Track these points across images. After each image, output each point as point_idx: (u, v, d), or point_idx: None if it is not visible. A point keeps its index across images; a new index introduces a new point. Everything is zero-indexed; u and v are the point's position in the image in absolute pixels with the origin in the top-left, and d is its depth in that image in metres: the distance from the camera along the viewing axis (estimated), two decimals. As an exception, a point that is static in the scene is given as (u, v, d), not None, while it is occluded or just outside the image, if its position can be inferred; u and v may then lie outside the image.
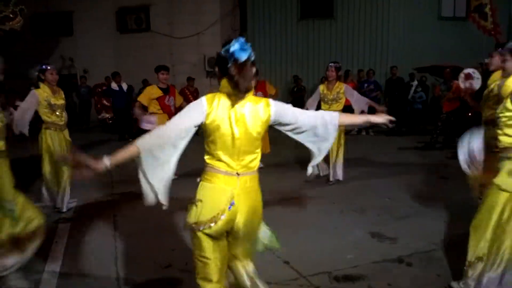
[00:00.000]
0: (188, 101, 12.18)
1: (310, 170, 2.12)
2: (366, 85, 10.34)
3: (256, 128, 1.86)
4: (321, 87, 5.33)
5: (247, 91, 1.80)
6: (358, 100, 5.26)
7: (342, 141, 5.23)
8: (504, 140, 2.39)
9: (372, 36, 12.68)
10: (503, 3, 12.63)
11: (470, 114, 8.22)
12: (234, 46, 1.72)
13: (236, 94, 1.79)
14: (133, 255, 3.30)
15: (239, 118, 1.82)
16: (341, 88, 5.19)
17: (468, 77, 5.55)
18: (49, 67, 4.41)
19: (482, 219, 2.49)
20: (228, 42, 1.77)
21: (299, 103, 12.01)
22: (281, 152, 7.42)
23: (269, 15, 13.06)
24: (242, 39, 1.76)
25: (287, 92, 12.93)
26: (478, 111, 3.17)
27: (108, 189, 5.37)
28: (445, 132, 8.06)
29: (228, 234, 1.94)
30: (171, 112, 5.29)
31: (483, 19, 9.10)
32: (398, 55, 12.03)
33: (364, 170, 6.13)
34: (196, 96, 11.29)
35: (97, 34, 13.50)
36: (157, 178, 1.93)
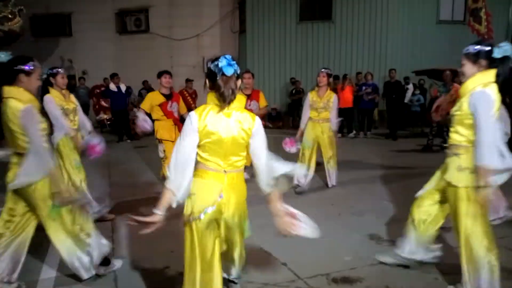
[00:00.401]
0: (186, 102, 12.14)
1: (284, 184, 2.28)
2: (364, 87, 10.37)
3: (241, 134, 2.07)
4: (311, 95, 5.19)
5: (230, 101, 2.04)
6: (333, 118, 5.15)
7: (334, 147, 5.21)
8: (454, 137, 2.50)
9: (371, 39, 12.72)
10: (502, 4, 12.71)
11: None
12: (222, 62, 2.00)
13: (222, 105, 2.04)
14: (131, 257, 3.29)
15: (226, 126, 2.05)
16: (331, 97, 5.08)
17: None
18: (60, 71, 4.21)
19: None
20: (216, 58, 2.04)
21: (297, 105, 12.05)
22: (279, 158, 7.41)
23: (268, 17, 13.09)
24: (229, 56, 2.04)
25: (286, 95, 12.96)
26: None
27: (106, 190, 5.36)
28: (442, 135, 8.08)
29: (218, 227, 2.18)
30: (174, 118, 5.18)
31: (478, 23, 9.16)
32: (396, 58, 12.08)
33: (362, 173, 6.14)
34: (194, 98, 11.29)
35: (96, 35, 13.51)
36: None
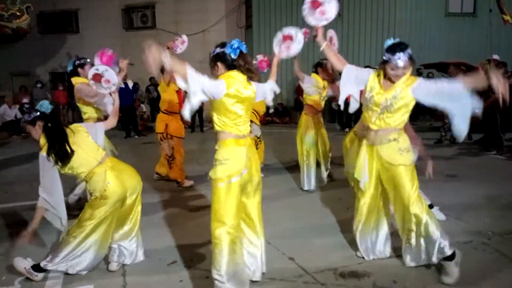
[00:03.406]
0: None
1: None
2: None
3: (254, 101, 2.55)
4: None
5: (257, 72, 2.48)
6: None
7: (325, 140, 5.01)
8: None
9: (378, 32, 12.59)
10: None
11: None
12: (235, 44, 2.36)
13: (250, 76, 2.43)
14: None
15: (246, 97, 2.42)
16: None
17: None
18: (88, 61, 4.18)
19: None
20: (223, 44, 2.41)
21: (305, 100, 11.99)
22: (285, 154, 7.44)
23: (274, 12, 13.01)
24: (237, 40, 2.40)
25: (293, 90, 12.91)
26: None
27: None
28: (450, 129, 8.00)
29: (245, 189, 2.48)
30: (183, 119, 5.11)
31: (504, 14, 8.93)
32: (404, 52, 11.95)
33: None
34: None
35: (103, 31, 13.56)
36: None
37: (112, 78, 3.39)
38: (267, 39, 13.21)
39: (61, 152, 2.63)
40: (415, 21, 12.47)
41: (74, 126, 2.90)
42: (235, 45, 2.34)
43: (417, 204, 2.70)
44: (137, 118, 10.83)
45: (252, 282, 2.62)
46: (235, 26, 13.83)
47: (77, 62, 4.12)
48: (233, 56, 2.36)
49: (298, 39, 3.11)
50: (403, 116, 2.74)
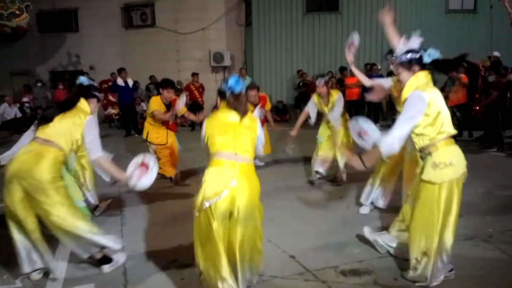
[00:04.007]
0: (193, 96, 12.11)
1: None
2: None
3: (251, 133, 2.38)
4: (315, 98, 5.01)
5: (246, 112, 2.38)
6: (335, 114, 4.86)
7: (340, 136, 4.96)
8: (419, 141, 2.57)
9: (379, 29, 12.53)
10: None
11: (477, 108, 8.16)
12: (231, 82, 2.38)
13: (237, 112, 2.37)
14: (140, 250, 3.32)
15: (237, 126, 2.36)
16: (335, 98, 4.85)
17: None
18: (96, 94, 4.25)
19: (422, 217, 2.58)
20: (226, 79, 2.43)
21: (305, 97, 11.96)
22: (284, 152, 7.42)
23: (274, 9, 12.97)
24: (236, 76, 2.43)
25: (292, 87, 12.89)
26: None
27: (115, 185, 5.41)
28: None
29: (230, 218, 2.26)
30: (168, 124, 5.29)
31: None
32: (404, 49, 11.92)
33: (372, 166, 6.08)
34: (201, 91, 11.28)
35: (102, 30, 13.52)
36: None
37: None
38: (267, 36, 13.19)
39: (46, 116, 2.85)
40: (415, 18, 12.43)
41: (84, 110, 2.94)
42: (230, 84, 2.38)
43: None
44: (137, 117, 10.82)
45: None
46: (235, 24, 13.79)
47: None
48: (227, 93, 2.40)
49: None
50: None
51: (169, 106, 5.21)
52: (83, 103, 2.97)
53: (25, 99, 11.97)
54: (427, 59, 2.57)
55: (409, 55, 2.63)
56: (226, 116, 2.38)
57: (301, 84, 12.17)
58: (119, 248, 2.97)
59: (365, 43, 12.70)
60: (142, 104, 11.79)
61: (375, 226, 3.69)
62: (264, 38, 13.14)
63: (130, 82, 10.43)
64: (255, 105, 5.31)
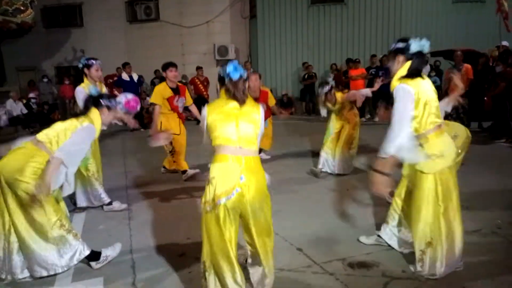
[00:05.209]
0: (198, 90, 12.09)
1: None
2: (380, 72, 10.16)
3: (254, 124, 2.27)
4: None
5: (243, 102, 2.27)
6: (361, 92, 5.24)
7: (344, 134, 5.14)
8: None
9: (384, 20, 12.43)
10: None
11: (485, 98, 8.06)
12: (229, 68, 2.25)
13: (236, 100, 2.26)
14: (148, 244, 3.34)
15: (240, 115, 2.25)
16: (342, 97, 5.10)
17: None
18: (95, 62, 4.13)
19: (422, 206, 2.59)
20: (225, 64, 2.30)
21: (310, 90, 11.92)
22: (290, 145, 7.42)
23: (279, 1, 12.88)
24: (235, 62, 2.30)
25: (298, 80, 12.82)
26: None
27: (122, 179, 5.44)
28: (459, 117, 7.89)
29: (240, 215, 2.25)
30: (178, 112, 5.16)
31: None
32: (411, 40, 11.80)
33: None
34: (206, 85, 11.26)
35: (107, 25, 13.53)
36: None
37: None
38: (272, 29, 13.11)
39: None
40: (421, 9, 12.28)
41: (92, 118, 2.94)
42: (227, 70, 2.25)
43: None
44: (142, 111, 10.84)
45: None
46: (239, 17, 13.71)
47: (85, 62, 4.11)
48: (226, 79, 2.28)
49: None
50: None
51: (177, 90, 5.09)
52: (94, 113, 2.96)
53: (31, 95, 12.01)
54: (413, 49, 2.55)
55: (394, 44, 2.64)
56: (227, 103, 2.27)
57: (306, 76, 12.10)
58: (85, 255, 2.85)
59: (371, 34, 12.60)
60: (147, 98, 11.78)
61: (381, 218, 3.68)
62: (269, 31, 13.07)
63: (135, 77, 10.44)
64: (256, 99, 5.34)
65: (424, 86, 2.57)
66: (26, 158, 2.67)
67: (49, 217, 2.70)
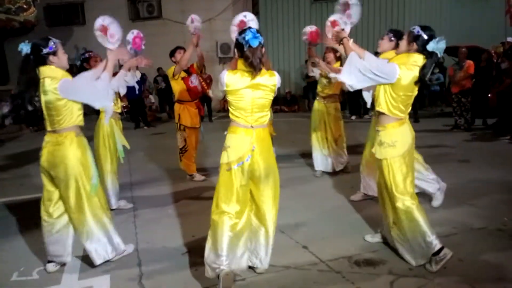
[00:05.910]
0: (201, 88, 12.08)
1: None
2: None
3: (266, 92, 2.43)
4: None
5: (260, 69, 2.36)
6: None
7: (340, 127, 5.02)
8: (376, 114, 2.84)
9: (388, 16, 12.38)
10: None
11: (490, 95, 8.02)
12: (248, 35, 2.33)
13: (251, 71, 2.35)
14: (153, 241, 3.34)
15: (253, 86, 2.38)
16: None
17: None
18: (92, 54, 4.17)
19: (382, 188, 2.82)
20: (243, 31, 2.39)
21: (313, 88, 11.84)
22: (295, 142, 7.41)
23: (282, -2, 12.85)
24: (254, 30, 2.37)
25: (301, 77, 12.80)
26: None
27: (127, 177, 5.45)
28: (463, 114, 7.86)
29: (251, 179, 2.49)
30: (197, 92, 5.06)
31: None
32: (414, 36, 11.74)
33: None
34: (209, 83, 11.24)
35: (109, 23, 13.52)
36: None
37: (117, 32, 3.33)
38: (274, 26, 13.08)
39: None
40: (425, 5, 12.21)
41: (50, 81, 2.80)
42: (247, 37, 2.33)
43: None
44: (146, 109, 10.86)
45: (257, 272, 2.69)
46: (242, 14, 13.69)
47: (82, 57, 4.09)
48: (245, 46, 2.35)
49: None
50: None
51: (188, 71, 5.04)
52: (46, 70, 2.80)
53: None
54: (429, 48, 2.59)
55: (421, 31, 2.64)
56: (245, 76, 2.36)
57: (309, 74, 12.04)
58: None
59: (374, 31, 12.54)
60: (150, 96, 11.82)
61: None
62: (272, 28, 13.04)
63: (138, 75, 10.42)
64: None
65: (408, 77, 2.60)
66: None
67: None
